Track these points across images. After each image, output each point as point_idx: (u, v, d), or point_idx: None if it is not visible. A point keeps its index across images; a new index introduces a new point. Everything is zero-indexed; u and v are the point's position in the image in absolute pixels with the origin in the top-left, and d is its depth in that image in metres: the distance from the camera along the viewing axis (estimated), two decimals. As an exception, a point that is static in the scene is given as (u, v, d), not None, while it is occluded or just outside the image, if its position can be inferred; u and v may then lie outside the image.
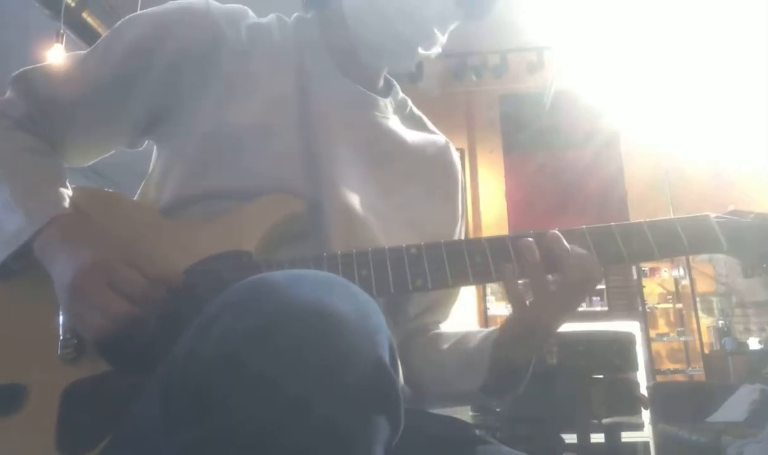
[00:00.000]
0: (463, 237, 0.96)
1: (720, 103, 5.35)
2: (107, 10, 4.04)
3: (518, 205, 6.04)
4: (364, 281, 0.70)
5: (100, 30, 3.84)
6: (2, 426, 0.66)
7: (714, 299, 5.80)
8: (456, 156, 1.00)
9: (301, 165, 0.80)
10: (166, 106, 0.83)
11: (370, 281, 0.70)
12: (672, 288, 6.02)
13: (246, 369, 0.42)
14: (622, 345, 2.54)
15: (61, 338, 0.69)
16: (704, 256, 5.43)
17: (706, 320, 5.74)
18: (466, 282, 0.73)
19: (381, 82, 0.94)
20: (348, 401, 0.43)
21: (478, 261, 0.72)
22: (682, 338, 5.79)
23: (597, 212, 5.63)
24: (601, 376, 2.55)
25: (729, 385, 4.43)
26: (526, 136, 5.88)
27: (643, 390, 3.45)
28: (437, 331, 0.95)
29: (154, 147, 0.90)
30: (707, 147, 5.45)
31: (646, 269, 5.93)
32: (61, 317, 0.70)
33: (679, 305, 5.93)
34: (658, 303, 5.98)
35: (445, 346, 0.88)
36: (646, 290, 5.85)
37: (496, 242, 0.73)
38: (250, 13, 0.88)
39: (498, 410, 2.70)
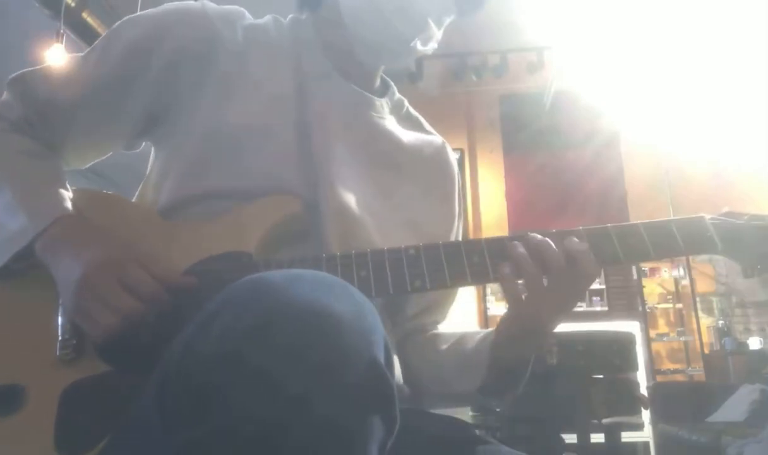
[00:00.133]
0: (460, 237, 0.96)
1: (720, 104, 5.34)
2: (107, 10, 4.04)
3: (518, 205, 6.04)
4: (363, 282, 0.70)
5: (100, 30, 3.84)
6: (1, 427, 0.66)
7: (714, 299, 5.80)
8: (453, 156, 1.00)
9: (298, 165, 0.80)
10: (164, 106, 0.83)
11: (369, 282, 0.70)
12: (672, 288, 6.02)
13: (244, 367, 0.43)
14: (622, 345, 2.54)
15: (60, 338, 0.70)
16: (704, 256, 5.41)
17: (706, 320, 5.74)
18: (465, 283, 0.74)
19: (378, 82, 0.94)
20: (343, 400, 0.43)
21: (476, 262, 0.73)
22: (682, 338, 5.79)
23: (597, 212, 5.63)
24: (601, 376, 2.56)
25: (729, 385, 4.43)
26: (526, 136, 5.88)
27: (643, 390, 3.45)
28: (435, 331, 0.95)
29: (152, 149, 0.90)
30: (707, 147, 5.45)
31: (647, 269, 5.93)
32: (60, 318, 0.71)
33: (679, 305, 5.93)
34: (658, 303, 5.98)
35: (444, 346, 0.88)
36: (646, 290, 5.85)
37: (493, 242, 0.74)
38: (247, 14, 0.89)
39: (498, 410, 2.70)
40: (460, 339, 0.87)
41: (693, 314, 5.72)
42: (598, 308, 5.73)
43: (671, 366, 5.78)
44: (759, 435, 2.92)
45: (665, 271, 5.99)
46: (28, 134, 0.82)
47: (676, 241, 0.75)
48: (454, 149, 1.05)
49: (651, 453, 4.57)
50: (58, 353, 0.69)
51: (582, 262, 0.72)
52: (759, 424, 3.18)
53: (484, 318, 5.72)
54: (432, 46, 0.87)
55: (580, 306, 5.37)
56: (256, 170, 0.79)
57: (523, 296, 0.73)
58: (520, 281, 0.73)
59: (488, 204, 6.15)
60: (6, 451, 0.66)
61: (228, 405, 0.42)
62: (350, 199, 0.80)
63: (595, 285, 5.73)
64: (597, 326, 4.64)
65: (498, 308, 5.79)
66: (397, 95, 0.97)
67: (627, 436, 3.40)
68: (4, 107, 0.82)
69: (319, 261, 0.71)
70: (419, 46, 0.85)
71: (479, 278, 0.73)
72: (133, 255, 0.69)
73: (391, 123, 0.93)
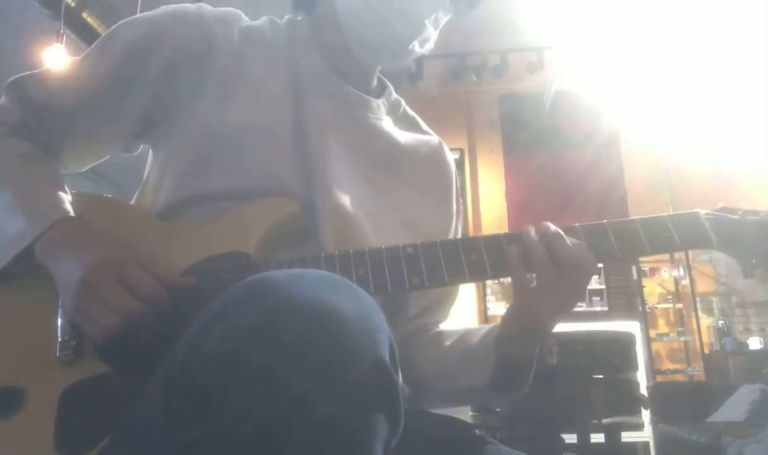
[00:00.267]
0: (459, 236, 0.96)
1: (720, 103, 5.34)
2: (107, 10, 4.04)
3: (518, 205, 6.04)
4: (362, 280, 0.70)
5: (100, 30, 3.84)
6: (2, 428, 0.66)
7: (714, 299, 5.80)
8: (450, 155, 1.01)
9: (296, 166, 0.80)
10: (163, 106, 0.83)
11: (368, 280, 0.70)
12: (672, 288, 6.02)
13: (248, 366, 0.43)
14: (622, 345, 2.54)
15: (60, 340, 0.70)
16: (704, 256, 5.45)
17: (706, 320, 5.74)
18: (463, 280, 0.74)
19: (374, 83, 0.95)
20: (348, 399, 0.43)
21: (473, 259, 0.73)
22: (682, 338, 5.79)
23: (597, 212, 5.63)
24: (601, 376, 2.56)
25: (729, 385, 4.43)
26: (526, 136, 5.88)
27: (643, 390, 3.45)
28: (438, 330, 0.95)
29: (150, 151, 0.90)
30: (707, 147, 5.45)
31: (646, 269, 5.93)
32: (59, 319, 0.71)
33: (679, 305, 5.93)
34: (658, 303, 5.98)
35: (448, 343, 0.89)
36: (646, 290, 5.85)
37: (491, 240, 0.75)
38: (243, 16, 0.89)
39: (498, 410, 2.70)
40: (464, 335, 0.87)
41: (693, 314, 5.72)
42: (598, 308, 5.73)
43: (671, 366, 5.78)
44: (759, 435, 2.92)
45: (665, 271, 5.99)
46: (26, 137, 0.82)
47: (671, 236, 0.76)
48: (454, 149, 1.05)
49: (651, 453, 4.57)
50: (57, 354, 0.69)
51: (582, 255, 0.72)
52: (759, 424, 3.18)
53: (485, 318, 5.73)
54: (429, 47, 0.87)
55: (580, 306, 5.37)
56: (254, 170, 0.79)
57: (529, 293, 0.74)
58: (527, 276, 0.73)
59: (488, 204, 6.15)
60: (6, 452, 0.66)
61: (232, 404, 0.42)
62: (346, 199, 0.81)
63: (595, 285, 5.74)
64: (597, 326, 4.64)
65: (498, 308, 5.79)
66: (394, 96, 0.97)
67: (627, 436, 3.40)
68: (2, 111, 0.82)
69: (318, 261, 0.71)
70: (417, 47, 0.85)
71: (477, 276, 0.73)
72: (133, 255, 0.69)
73: (387, 124, 0.93)
